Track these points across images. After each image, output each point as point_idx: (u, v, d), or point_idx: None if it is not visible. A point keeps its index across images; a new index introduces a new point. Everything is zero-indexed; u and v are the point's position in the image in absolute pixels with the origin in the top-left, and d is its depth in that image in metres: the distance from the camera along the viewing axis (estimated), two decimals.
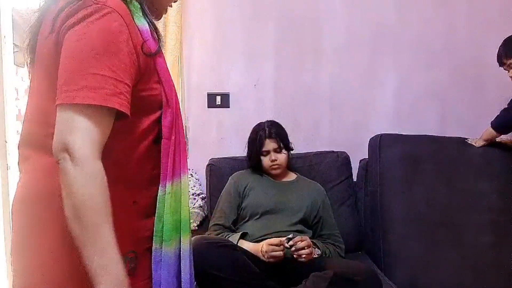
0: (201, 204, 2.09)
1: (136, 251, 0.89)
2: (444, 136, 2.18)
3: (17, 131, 1.87)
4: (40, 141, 0.87)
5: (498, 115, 1.96)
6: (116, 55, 0.80)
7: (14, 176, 1.77)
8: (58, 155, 0.76)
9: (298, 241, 1.61)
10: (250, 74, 2.31)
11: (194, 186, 2.18)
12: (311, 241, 1.69)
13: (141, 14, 0.89)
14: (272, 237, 1.70)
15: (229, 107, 2.31)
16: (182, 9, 2.19)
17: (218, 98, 2.30)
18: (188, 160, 1.84)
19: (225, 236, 1.76)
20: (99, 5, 0.80)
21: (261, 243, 1.67)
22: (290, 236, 1.64)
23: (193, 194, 2.12)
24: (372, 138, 2.16)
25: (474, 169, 2.04)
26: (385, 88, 2.37)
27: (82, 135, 0.76)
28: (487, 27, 2.35)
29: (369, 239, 2.09)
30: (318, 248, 1.74)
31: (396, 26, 2.34)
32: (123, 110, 0.80)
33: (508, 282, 1.81)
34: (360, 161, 2.22)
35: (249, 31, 2.30)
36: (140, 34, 0.87)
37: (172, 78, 0.97)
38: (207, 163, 2.12)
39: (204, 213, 2.07)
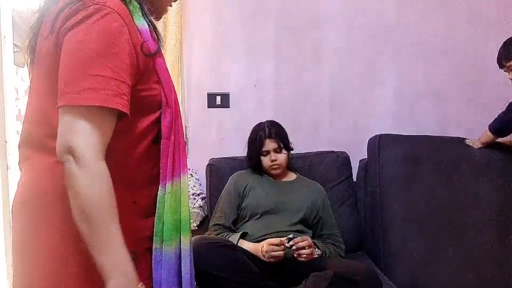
0: (201, 204, 2.09)
1: (136, 251, 0.89)
2: (444, 136, 2.18)
3: (17, 131, 1.87)
4: (40, 141, 0.87)
5: (495, 119, 1.96)
6: (117, 55, 0.80)
7: (14, 176, 1.77)
8: (62, 157, 0.77)
9: (299, 241, 1.61)
10: (250, 74, 2.31)
11: (194, 186, 2.18)
12: (312, 241, 1.70)
13: (140, 14, 0.89)
14: (272, 237, 1.70)
15: (229, 107, 2.31)
16: (182, 9, 2.20)
17: (218, 98, 2.30)
18: (188, 160, 1.85)
19: (225, 236, 1.76)
20: (98, 5, 0.80)
21: (261, 243, 1.67)
22: (291, 236, 1.64)
23: (193, 194, 2.12)
24: (371, 138, 2.16)
25: (474, 169, 2.04)
26: (385, 88, 2.37)
27: (85, 137, 0.77)
28: (487, 27, 2.35)
29: (369, 239, 2.09)
30: (319, 248, 1.74)
31: (396, 26, 2.34)
32: (125, 111, 0.81)
33: (509, 282, 1.81)
34: (360, 161, 2.22)
35: (249, 31, 2.30)
36: (140, 34, 0.87)
37: (172, 78, 0.97)
38: (207, 163, 2.12)
39: (204, 213, 2.07)
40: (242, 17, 2.29)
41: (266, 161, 1.90)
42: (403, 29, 2.35)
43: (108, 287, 0.77)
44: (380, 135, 2.13)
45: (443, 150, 2.09)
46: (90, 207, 0.76)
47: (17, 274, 0.89)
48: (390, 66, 2.36)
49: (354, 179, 2.21)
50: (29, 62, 0.96)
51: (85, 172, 0.76)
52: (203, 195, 2.15)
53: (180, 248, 0.95)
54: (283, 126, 1.95)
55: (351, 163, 2.19)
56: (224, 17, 2.29)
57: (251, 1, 2.29)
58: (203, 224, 2.00)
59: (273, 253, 1.61)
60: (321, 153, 2.20)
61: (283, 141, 1.90)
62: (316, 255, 1.69)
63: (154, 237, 0.92)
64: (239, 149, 2.07)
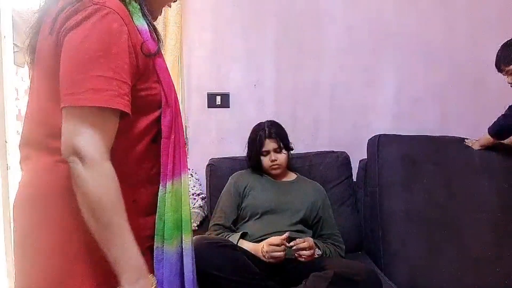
0: (201, 204, 2.09)
1: None
2: (444, 136, 2.18)
3: (17, 131, 1.87)
4: (40, 141, 0.88)
5: (494, 122, 1.95)
6: (118, 55, 0.80)
7: (14, 176, 1.77)
8: (68, 157, 0.78)
9: (300, 242, 1.62)
10: (250, 74, 2.31)
11: (194, 186, 2.18)
12: (313, 242, 1.70)
13: (140, 14, 0.89)
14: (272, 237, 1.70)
15: (229, 107, 2.31)
16: (182, 9, 2.19)
17: (218, 98, 2.30)
18: (188, 160, 1.85)
19: (225, 236, 1.76)
20: (98, 5, 0.81)
21: (262, 243, 1.67)
22: (288, 234, 1.64)
23: (193, 194, 2.12)
24: (371, 138, 2.17)
25: (474, 169, 2.04)
26: (385, 88, 2.37)
27: (90, 138, 0.78)
28: (487, 27, 2.35)
29: (369, 239, 2.09)
30: (319, 248, 1.74)
31: (396, 26, 2.35)
32: (127, 111, 0.82)
33: (508, 282, 1.81)
34: (360, 161, 2.22)
35: (249, 31, 2.30)
36: (140, 34, 0.87)
37: (172, 78, 0.98)
38: (207, 163, 2.12)
39: (204, 213, 2.07)
40: (242, 17, 2.29)
41: (266, 161, 1.90)
42: (403, 29, 2.35)
43: (121, 282, 0.80)
44: (380, 135, 2.13)
45: (443, 150, 2.09)
46: (99, 206, 0.78)
47: (19, 273, 0.89)
48: (390, 66, 2.36)
49: (354, 179, 2.21)
50: (29, 62, 0.97)
51: (92, 173, 0.77)
52: (203, 195, 2.15)
53: (182, 247, 0.96)
54: (283, 126, 1.95)
55: (351, 163, 2.19)
56: (224, 17, 2.29)
57: (251, 1, 2.29)
58: (203, 224, 2.00)
59: (273, 254, 1.61)
60: (321, 153, 2.20)
61: (283, 141, 1.90)
62: (317, 255, 1.69)
63: (155, 236, 0.92)
64: (239, 149, 2.07)
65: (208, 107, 2.30)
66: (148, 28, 0.90)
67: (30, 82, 0.95)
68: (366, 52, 2.35)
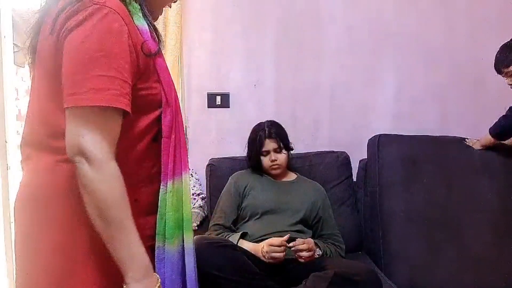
0: (201, 204, 2.09)
1: None
2: (444, 136, 2.18)
3: (17, 131, 1.87)
4: (41, 141, 0.88)
5: (496, 122, 1.95)
6: (119, 55, 0.81)
7: (14, 176, 1.77)
8: (74, 158, 0.79)
9: (300, 244, 1.62)
10: (250, 74, 2.31)
11: (194, 186, 2.18)
12: (314, 242, 1.70)
13: (140, 15, 0.90)
14: (272, 237, 1.70)
15: (229, 107, 2.31)
16: (182, 9, 2.19)
17: (218, 98, 2.30)
18: (188, 159, 1.84)
19: (225, 236, 1.76)
20: (98, 5, 0.81)
21: (262, 243, 1.67)
22: (289, 236, 1.63)
23: (193, 194, 2.12)
24: (371, 138, 2.17)
25: (474, 169, 2.04)
26: (385, 88, 2.37)
27: (95, 138, 0.79)
28: (487, 27, 2.35)
29: (369, 239, 2.09)
30: (320, 248, 1.74)
31: (396, 26, 2.34)
32: (129, 110, 0.82)
33: (508, 282, 1.81)
34: (360, 161, 2.22)
35: (249, 31, 2.30)
36: (140, 34, 0.87)
37: (172, 78, 0.98)
38: (207, 163, 2.12)
39: (204, 213, 2.07)
40: (242, 17, 2.29)
41: (266, 161, 1.90)
42: (403, 29, 2.35)
43: (126, 280, 0.81)
44: (380, 135, 2.13)
45: (443, 150, 2.09)
46: (106, 205, 0.79)
47: (20, 273, 0.90)
48: (390, 66, 2.36)
49: (354, 179, 2.21)
50: (30, 62, 0.97)
51: (98, 173, 0.78)
52: (203, 195, 2.15)
53: (183, 246, 0.97)
54: (283, 126, 1.95)
55: (351, 163, 2.19)
56: (224, 17, 2.29)
57: (251, 1, 2.29)
58: (203, 224, 2.00)
59: (273, 254, 1.61)
60: (321, 153, 2.20)
61: (283, 141, 1.90)
62: (317, 255, 1.69)
63: (156, 235, 0.93)
64: (239, 149, 2.07)
65: (208, 107, 2.30)
66: (149, 28, 0.90)
67: (31, 82, 0.95)
68: (366, 52, 2.35)
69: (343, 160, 2.17)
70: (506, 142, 2.04)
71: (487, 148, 2.05)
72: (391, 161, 2.06)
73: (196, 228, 1.93)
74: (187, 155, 1.01)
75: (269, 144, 1.88)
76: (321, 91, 2.35)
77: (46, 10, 0.91)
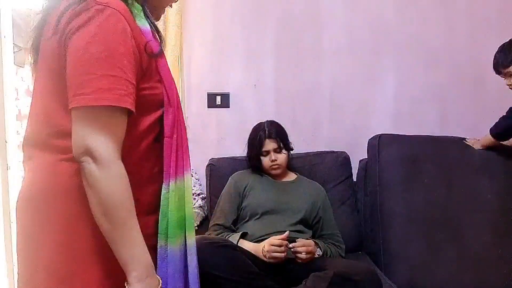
0: (201, 204, 2.09)
1: None
2: (444, 136, 2.18)
3: (17, 131, 1.87)
4: (43, 141, 0.88)
5: (496, 123, 1.95)
6: (123, 55, 0.81)
7: (14, 176, 1.77)
8: (80, 157, 0.79)
9: (298, 246, 1.62)
10: (250, 74, 2.31)
11: (194, 186, 2.18)
12: (313, 241, 1.70)
13: (142, 15, 0.90)
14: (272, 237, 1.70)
15: (229, 107, 2.31)
16: (182, 9, 2.20)
17: (218, 98, 2.30)
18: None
19: (225, 236, 1.76)
20: (101, 6, 0.81)
21: (263, 243, 1.67)
22: (288, 233, 1.63)
23: (193, 194, 2.12)
24: (371, 138, 2.16)
25: (474, 169, 2.04)
26: (385, 88, 2.37)
27: (101, 137, 0.79)
28: (487, 27, 2.35)
29: (369, 239, 2.09)
30: (320, 248, 1.74)
31: (396, 26, 2.35)
32: (133, 110, 0.83)
33: (509, 282, 1.81)
34: (360, 161, 2.22)
35: (249, 31, 2.30)
36: (142, 35, 0.87)
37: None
38: (207, 163, 2.12)
39: (204, 213, 2.07)
40: (242, 17, 2.29)
41: (266, 161, 1.90)
42: (403, 29, 2.35)
43: (129, 279, 0.81)
44: (380, 135, 2.13)
45: (443, 150, 2.09)
46: (112, 204, 0.79)
47: (22, 272, 0.90)
48: (390, 66, 2.36)
49: (354, 179, 2.21)
50: (32, 63, 0.97)
51: (105, 172, 0.79)
52: (203, 195, 2.15)
53: (186, 244, 0.97)
54: (283, 126, 1.95)
55: (351, 163, 2.19)
56: (224, 17, 2.29)
57: (251, 1, 2.29)
58: (203, 224, 2.00)
59: (274, 254, 1.61)
60: (321, 153, 2.20)
61: (283, 141, 1.90)
62: (317, 255, 1.70)
63: (159, 234, 0.93)
64: (239, 149, 2.07)
65: (208, 107, 2.30)
66: (151, 29, 0.90)
67: (34, 82, 0.95)
68: (366, 52, 2.35)
69: (343, 160, 2.17)
70: (506, 142, 2.04)
71: (487, 148, 2.05)
72: (391, 161, 2.06)
73: (196, 228, 1.93)
74: (189, 155, 1.02)
75: (269, 144, 1.88)
76: (321, 91, 2.35)
77: (48, 11, 0.91)
